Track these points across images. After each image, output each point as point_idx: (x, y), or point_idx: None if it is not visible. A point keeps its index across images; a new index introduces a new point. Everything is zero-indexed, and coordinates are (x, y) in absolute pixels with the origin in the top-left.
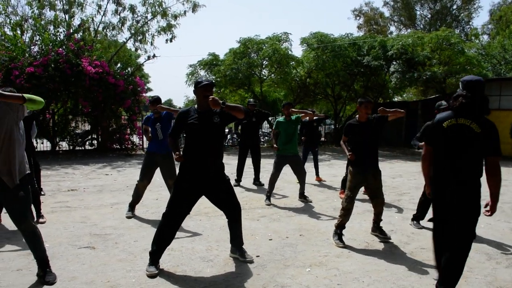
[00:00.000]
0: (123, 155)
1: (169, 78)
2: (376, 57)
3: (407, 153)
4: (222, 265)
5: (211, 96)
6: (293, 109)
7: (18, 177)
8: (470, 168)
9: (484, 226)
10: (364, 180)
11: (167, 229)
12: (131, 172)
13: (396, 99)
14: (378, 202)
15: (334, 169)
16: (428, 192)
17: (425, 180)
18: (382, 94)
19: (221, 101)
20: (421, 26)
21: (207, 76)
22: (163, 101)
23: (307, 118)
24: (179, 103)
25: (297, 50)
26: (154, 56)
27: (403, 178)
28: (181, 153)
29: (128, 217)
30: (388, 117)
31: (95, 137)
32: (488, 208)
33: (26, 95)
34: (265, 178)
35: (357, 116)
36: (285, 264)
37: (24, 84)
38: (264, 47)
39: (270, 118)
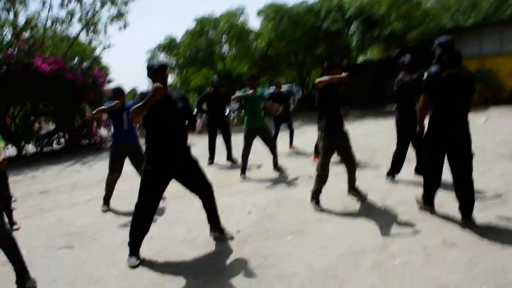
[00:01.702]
0: (93, 150)
1: (131, 66)
2: (334, 20)
3: (375, 112)
4: (204, 245)
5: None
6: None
7: None
8: (464, 106)
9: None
10: (335, 143)
11: (141, 219)
12: (103, 166)
13: (360, 60)
14: (350, 162)
15: (305, 135)
16: (420, 130)
17: (421, 121)
18: (346, 57)
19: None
20: None
21: (167, 58)
22: (127, 89)
23: (274, 90)
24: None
25: (255, 23)
26: (109, 45)
27: (375, 136)
28: (145, 139)
29: (104, 211)
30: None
31: (62, 135)
32: None
33: None
34: (237, 153)
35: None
36: (266, 235)
37: None
38: (221, 24)
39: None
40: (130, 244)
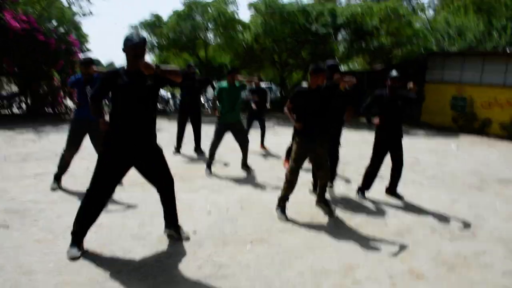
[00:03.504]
0: (55, 120)
1: (111, 40)
2: (325, 24)
3: (350, 122)
4: (155, 243)
5: (142, 61)
6: (238, 76)
7: None
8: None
9: (428, 198)
10: (309, 150)
11: (91, 206)
12: (62, 139)
13: (342, 69)
14: (323, 173)
15: (278, 136)
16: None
17: None
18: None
19: (155, 65)
20: None
21: (149, 37)
22: (104, 64)
23: (253, 84)
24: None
25: (244, 15)
26: (90, 13)
27: (346, 147)
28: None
29: (53, 189)
30: (340, 85)
31: (23, 100)
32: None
33: None
34: (206, 145)
35: (304, 83)
36: (224, 241)
37: None
38: (210, 10)
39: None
40: (73, 232)
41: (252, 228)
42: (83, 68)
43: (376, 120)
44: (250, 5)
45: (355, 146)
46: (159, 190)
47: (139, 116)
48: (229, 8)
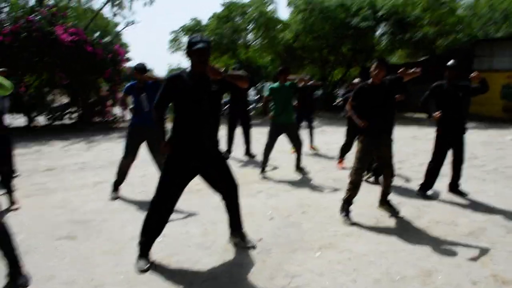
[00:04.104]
0: (105, 129)
1: (149, 46)
2: (365, 17)
3: (399, 117)
4: (221, 252)
5: (209, 65)
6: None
7: None
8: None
9: (494, 194)
10: (375, 149)
11: (157, 217)
12: (115, 147)
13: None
14: (388, 173)
15: (326, 136)
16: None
17: None
18: (370, 57)
19: (223, 70)
20: None
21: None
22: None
23: (301, 84)
24: (160, 72)
25: (283, 13)
26: (133, 22)
27: (398, 144)
28: (169, 134)
29: (113, 199)
30: (404, 78)
31: (75, 110)
32: None
33: None
34: (256, 148)
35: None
36: (291, 247)
37: None
38: (248, 11)
39: (257, 85)
40: (140, 243)
41: (318, 233)
42: (138, 74)
43: (436, 114)
44: (289, 3)
45: (406, 142)
46: (224, 197)
47: (204, 121)
48: (268, 8)
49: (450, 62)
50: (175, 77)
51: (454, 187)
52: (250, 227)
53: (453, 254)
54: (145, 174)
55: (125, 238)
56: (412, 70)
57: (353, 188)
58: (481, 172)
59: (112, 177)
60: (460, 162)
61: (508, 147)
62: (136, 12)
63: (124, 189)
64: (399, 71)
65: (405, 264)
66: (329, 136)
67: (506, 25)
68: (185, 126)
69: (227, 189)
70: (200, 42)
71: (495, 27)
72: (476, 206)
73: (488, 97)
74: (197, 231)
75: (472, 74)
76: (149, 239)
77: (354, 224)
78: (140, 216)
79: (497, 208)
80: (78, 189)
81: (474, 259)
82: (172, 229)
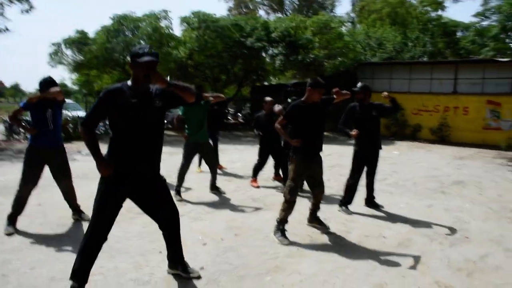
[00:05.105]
0: None
1: (17, 58)
2: (259, 38)
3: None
4: (165, 286)
5: (154, 74)
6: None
7: None
8: None
9: (404, 206)
10: (308, 168)
11: (92, 249)
12: (5, 172)
13: (274, 82)
14: (320, 191)
15: (228, 154)
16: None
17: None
18: (261, 77)
19: (167, 79)
20: (289, 11)
21: (74, 55)
22: (8, 85)
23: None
24: (28, 87)
25: (178, 30)
26: (6, 29)
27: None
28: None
29: (8, 234)
30: (335, 99)
31: None
32: None
33: None
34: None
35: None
36: (238, 274)
37: None
38: (141, 25)
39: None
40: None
41: (260, 257)
42: (45, 90)
43: (353, 132)
44: (183, 20)
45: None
46: (162, 225)
47: (146, 142)
48: (162, 23)
49: (357, 86)
50: (115, 91)
51: (370, 200)
52: (185, 254)
53: (394, 265)
54: (42, 203)
55: (40, 282)
56: (344, 91)
57: (288, 208)
58: (385, 186)
59: (4, 208)
60: (372, 177)
61: (398, 162)
62: (10, 20)
63: (20, 223)
64: (333, 91)
65: (357, 281)
66: (229, 155)
67: (380, 51)
68: (123, 147)
69: (167, 216)
70: (147, 54)
71: (371, 52)
72: (395, 218)
73: None
74: (127, 265)
75: (382, 94)
76: (85, 274)
77: (291, 243)
78: (50, 254)
79: (413, 219)
80: None
81: (413, 268)
82: (97, 264)
